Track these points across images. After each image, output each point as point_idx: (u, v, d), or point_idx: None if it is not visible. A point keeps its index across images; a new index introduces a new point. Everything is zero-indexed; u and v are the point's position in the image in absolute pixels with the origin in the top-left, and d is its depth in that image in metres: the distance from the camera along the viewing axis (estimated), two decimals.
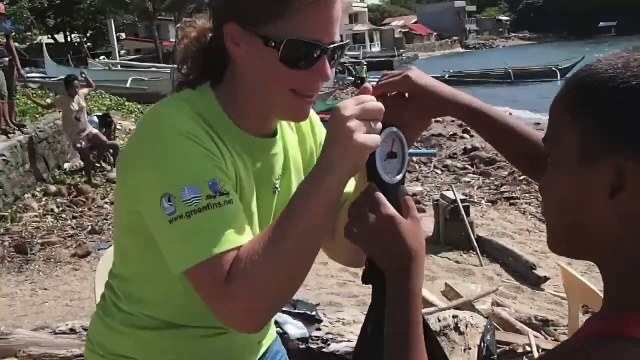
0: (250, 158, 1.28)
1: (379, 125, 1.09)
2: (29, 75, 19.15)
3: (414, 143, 1.28)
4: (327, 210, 1.10)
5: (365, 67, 30.47)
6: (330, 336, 3.08)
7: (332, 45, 1.17)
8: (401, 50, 62.81)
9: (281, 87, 1.19)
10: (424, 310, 3.89)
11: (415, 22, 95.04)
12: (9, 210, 7.91)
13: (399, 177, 1.15)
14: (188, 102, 1.23)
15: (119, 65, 26.54)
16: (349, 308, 4.00)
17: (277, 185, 1.36)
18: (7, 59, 9.58)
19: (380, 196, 1.08)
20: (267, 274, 1.06)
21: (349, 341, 3.02)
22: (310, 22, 1.14)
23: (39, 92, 14.51)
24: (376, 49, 73.33)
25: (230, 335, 1.37)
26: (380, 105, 1.09)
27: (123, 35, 43.18)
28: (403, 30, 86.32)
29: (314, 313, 3.16)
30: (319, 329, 3.10)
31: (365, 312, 3.67)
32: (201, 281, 1.10)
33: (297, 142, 1.44)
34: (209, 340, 1.37)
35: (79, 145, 9.82)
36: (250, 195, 1.28)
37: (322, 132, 1.48)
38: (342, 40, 1.21)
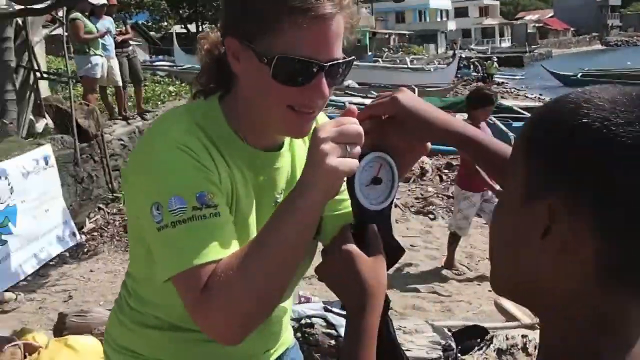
0: (251, 171, 1.28)
1: (357, 149, 1.05)
2: (157, 63, 20.19)
3: (408, 169, 1.21)
4: (300, 233, 1.08)
5: (495, 62, 29.39)
6: None
7: (330, 63, 1.13)
8: (532, 46, 60.32)
9: (277, 103, 1.17)
10: (496, 325, 3.76)
11: (551, 17, 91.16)
12: (123, 192, 8.36)
13: (384, 205, 1.11)
14: (190, 112, 1.25)
15: None
16: (412, 317, 3.92)
17: (279, 200, 1.34)
18: (131, 49, 10.14)
19: (346, 232, 1.07)
20: (239, 289, 1.06)
21: (407, 350, 2.95)
22: (304, 39, 1.11)
23: (167, 79, 15.25)
24: (506, 44, 71.05)
25: None
26: (358, 128, 1.05)
27: None
28: (537, 25, 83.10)
29: None
30: None
31: (446, 320, 3.59)
32: (181, 290, 1.11)
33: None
34: (208, 345, 1.37)
35: None
36: (247, 208, 1.27)
37: None
38: (345, 57, 1.17)
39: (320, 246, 1.33)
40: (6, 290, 5.02)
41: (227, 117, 1.26)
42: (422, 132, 1.14)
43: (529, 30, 77.84)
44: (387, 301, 1.08)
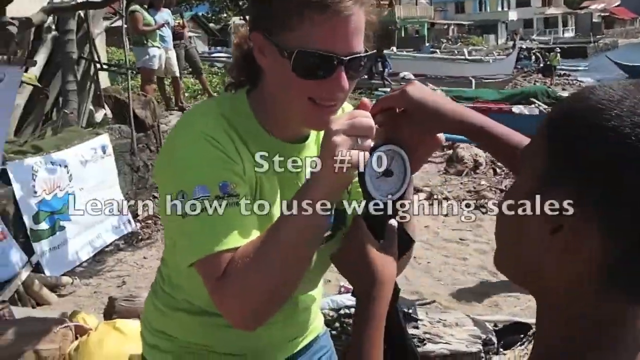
0: (276, 162, 1.31)
1: (368, 142, 1.08)
2: (214, 55, 20.46)
3: (422, 163, 1.22)
4: (311, 223, 1.12)
5: (558, 54, 28.52)
6: (427, 336, 3.02)
7: (349, 57, 1.16)
8: (597, 36, 58.47)
9: (298, 96, 1.20)
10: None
11: (618, 5, 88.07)
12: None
13: (395, 197, 1.13)
14: (218, 105, 1.30)
15: None
16: (455, 310, 3.90)
17: None
18: (188, 40, 10.32)
19: (359, 221, 1.11)
20: (252, 277, 1.11)
21: (446, 343, 2.95)
22: (322, 33, 1.14)
23: (224, 71, 15.46)
24: (569, 34, 69.02)
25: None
26: (370, 121, 1.08)
27: None
28: (602, 14, 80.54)
29: (410, 310, 3.11)
30: (417, 327, 3.05)
31: (493, 314, 3.54)
32: (202, 276, 1.17)
33: None
34: (235, 331, 1.42)
35: None
36: (271, 199, 1.31)
37: None
38: (366, 51, 1.20)
39: None
40: (63, 275, 5.21)
41: (253, 109, 1.30)
42: (432, 123, 1.15)
43: (594, 20, 75.34)
44: (396, 290, 1.10)
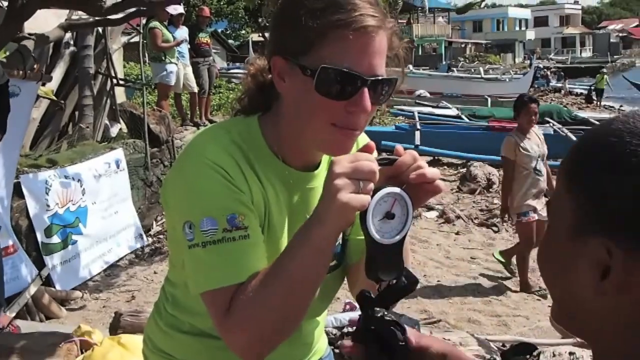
0: (285, 189, 1.31)
1: (370, 185, 1.08)
2: (232, 70, 20.64)
3: (421, 205, 1.21)
4: (314, 263, 1.13)
5: (606, 75, 26.75)
6: None
7: (372, 78, 1.16)
8: (615, 56, 58.10)
9: (321, 120, 1.19)
10: (544, 341, 3.68)
11: (636, 26, 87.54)
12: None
13: (397, 238, 1.12)
14: (228, 130, 1.28)
15: None
16: (459, 330, 3.87)
17: None
18: (212, 58, 10.42)
19: None
20: (258, 312, 1.13)
21: None
22: (347, 52, 1.14)
23: (240, 87, 15.55)
24: (587, 54, 68.61)
25: None
26: (372, 165, 1.08)
27: None
28: (620, 34, 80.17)
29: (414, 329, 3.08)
30: None
31: (501, 334, 3.47)
32: (208, 307, 1.19)
33: None
34: None
35: None
36: (279, 227, 1.31)
37: None
38: (388, 76, 1.20)
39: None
40: (74, 289, 5.24)
41: (265, 136, 1.29)
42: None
43: (611, 40, 74.88)
44: (415, 280, 1.10)
